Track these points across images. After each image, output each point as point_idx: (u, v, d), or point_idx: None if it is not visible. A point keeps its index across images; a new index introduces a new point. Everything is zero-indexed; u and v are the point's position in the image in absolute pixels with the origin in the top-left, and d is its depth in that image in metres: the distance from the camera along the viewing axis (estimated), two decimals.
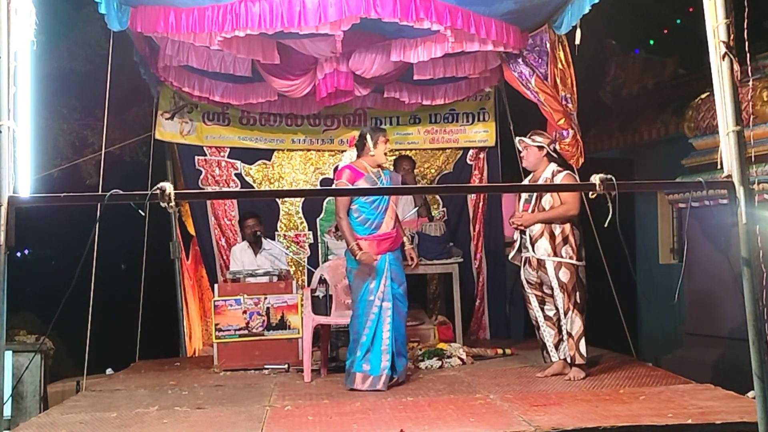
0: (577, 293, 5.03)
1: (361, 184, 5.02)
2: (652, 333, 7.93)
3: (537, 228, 5.08)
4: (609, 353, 5.89)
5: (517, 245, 5.25)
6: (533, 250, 5.10)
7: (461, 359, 5.86)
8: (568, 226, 5.06)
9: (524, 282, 5.22)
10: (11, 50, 3.07)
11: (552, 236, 5.05)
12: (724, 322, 6.10)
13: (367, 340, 4.97)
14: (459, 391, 4.80)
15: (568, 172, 5.22)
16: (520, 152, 5.39)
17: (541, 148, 5.18)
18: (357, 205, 5.06)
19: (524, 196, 5.26)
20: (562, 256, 5.03)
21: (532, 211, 5.12)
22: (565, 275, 5.01)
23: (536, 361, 5.75)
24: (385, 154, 5.15)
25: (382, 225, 5.06)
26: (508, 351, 6.24)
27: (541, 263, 5.07)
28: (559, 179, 5.08)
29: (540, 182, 5.16)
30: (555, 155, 5.27)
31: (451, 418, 4.00)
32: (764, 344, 3.17)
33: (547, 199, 5.09)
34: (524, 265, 5.21)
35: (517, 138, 5.40)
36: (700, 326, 6.66)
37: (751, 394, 3.72)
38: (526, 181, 5.39)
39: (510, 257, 5.35)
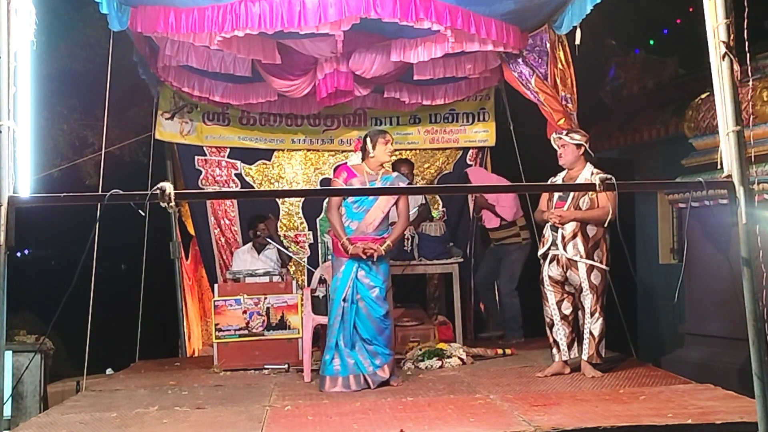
0: (605, 296, 5.06)
1: (354, 184, 5.12)
2: (652, 333, 7.93)
3: (570, 228, 5.03)
4: (609, 353, 5.88)
5: (548, 242, 5.16)
6: (564, 249, 5.06)
7: (461, 359, 5.85)
8: (601, 230, 5.03)
9: (546, 279, 5.15)
10: (11, 50, 3.07)
11: (585, 238, 5.01)
12: (724, 322, 6.09)
13: (333, 342, 5.05)
14: (459, 391, 4.80)
15: (611, 177, 5.12)
16: (556, 150, 5.24)
17: (579, 146, 5.13)
18: (343, 203, 5.19)
19: (557, 192, 5.19)
20: (593, 260, 5.01)
21: (568, 209, 5.07)
22: (596, 278, 5.01)
23: (536, 361, 5.76)
24: (391, 154, 5.28)
25: (359, 227, 5.11)
26: (508, 351, 6.23)
27: (571, 263, 5.03)
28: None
29: (578, 182, 5.06)
30: (592, 154, 5.23)
31: (451, 418, 4.00)
32: (764, 344, 3.17)
33: (585, 201, 5.05)
34: (549, 263, 5.15)
35: (553, 135, 5.32)
36: (700, 326, 6.66)
37: None
38: (559, 179, 5.24)
39: (540, 253, 5.25)
